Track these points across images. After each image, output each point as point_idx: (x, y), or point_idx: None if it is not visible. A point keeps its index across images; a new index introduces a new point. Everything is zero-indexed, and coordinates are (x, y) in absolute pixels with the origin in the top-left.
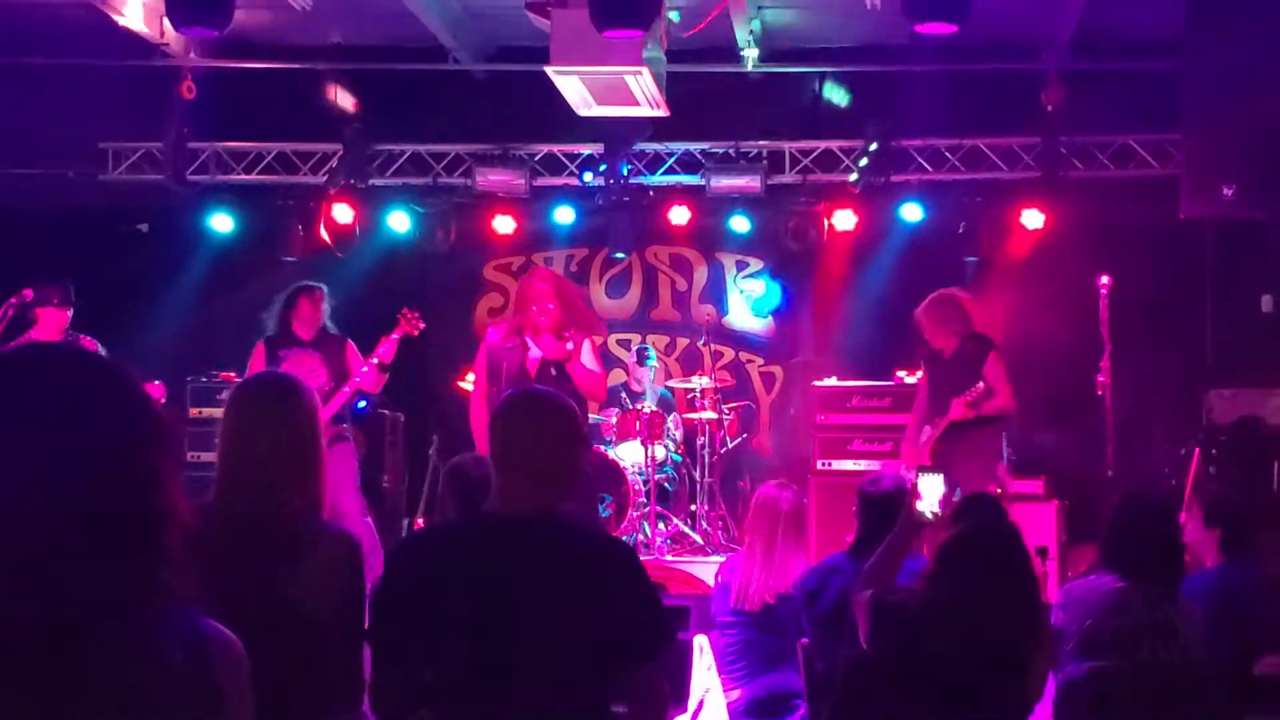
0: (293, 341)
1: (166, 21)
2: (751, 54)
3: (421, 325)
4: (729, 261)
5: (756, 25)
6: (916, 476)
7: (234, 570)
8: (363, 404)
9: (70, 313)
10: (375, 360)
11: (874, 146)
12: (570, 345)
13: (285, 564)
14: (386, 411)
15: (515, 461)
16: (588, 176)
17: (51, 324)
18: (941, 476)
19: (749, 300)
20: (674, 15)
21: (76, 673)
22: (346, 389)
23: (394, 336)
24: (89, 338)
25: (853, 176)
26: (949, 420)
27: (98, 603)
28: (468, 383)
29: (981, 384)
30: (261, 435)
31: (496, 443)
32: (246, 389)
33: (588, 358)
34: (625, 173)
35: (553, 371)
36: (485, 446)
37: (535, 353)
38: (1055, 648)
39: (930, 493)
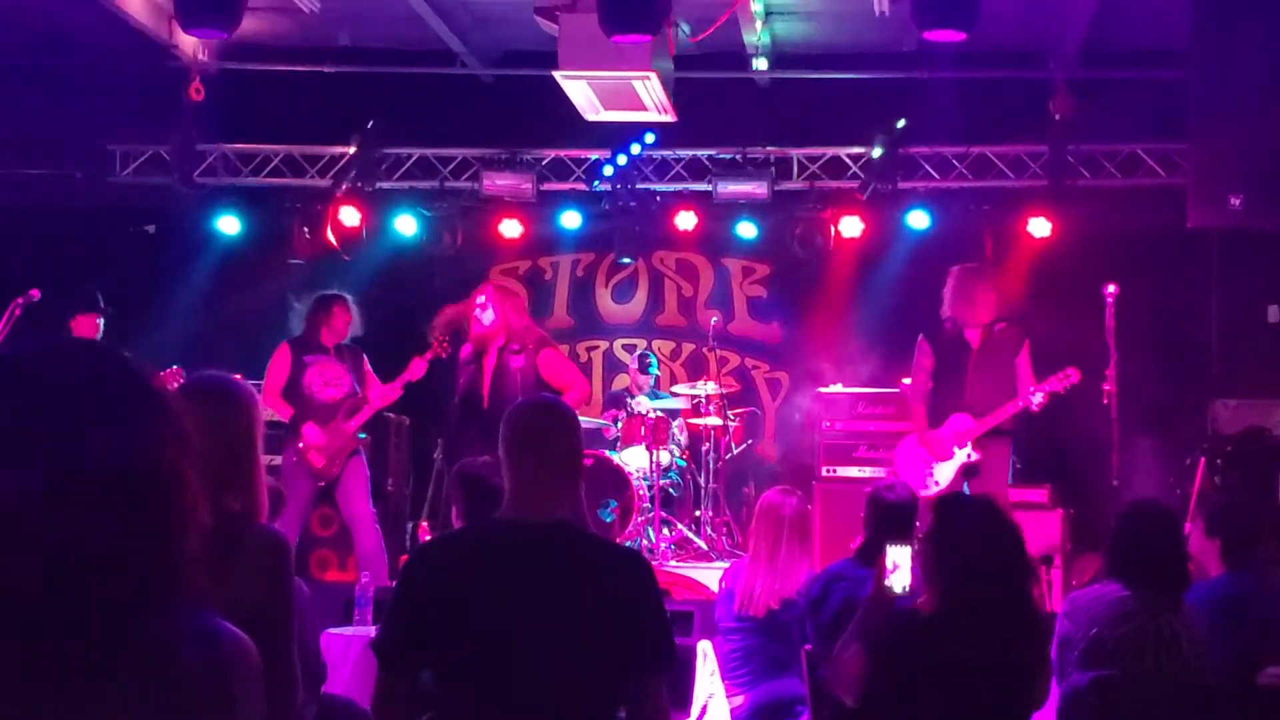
0: (318, 348)
1: (174, 24)
2: (760, 60)
3: (450, 349)
4: (735, 267)
5: (765, 32)
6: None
7: None
8: None
9: (101, 321)
10: (404, 380)
11: (901, 124)
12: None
13: (218, 566)
14: (391, 415)
15: (530, 468)
16: (605, 176)
17: (85, 333)
18: (909, 549)
19: None
20: (685, 28)
21: (89, 672)
22: (375, 405)
23: (426, 358)
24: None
25: (874, 156)
26: (1022, 408)
27: (112, 602)
28: None
29: (1074, 370)
30: (200, 436)
31: (511, 450)
32: (185, 390)
33: (559, 366)
34: (634, 153)
35: (504, 390)
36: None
37: (487, 369)
38: (1047, 654)
39: (902, 565)
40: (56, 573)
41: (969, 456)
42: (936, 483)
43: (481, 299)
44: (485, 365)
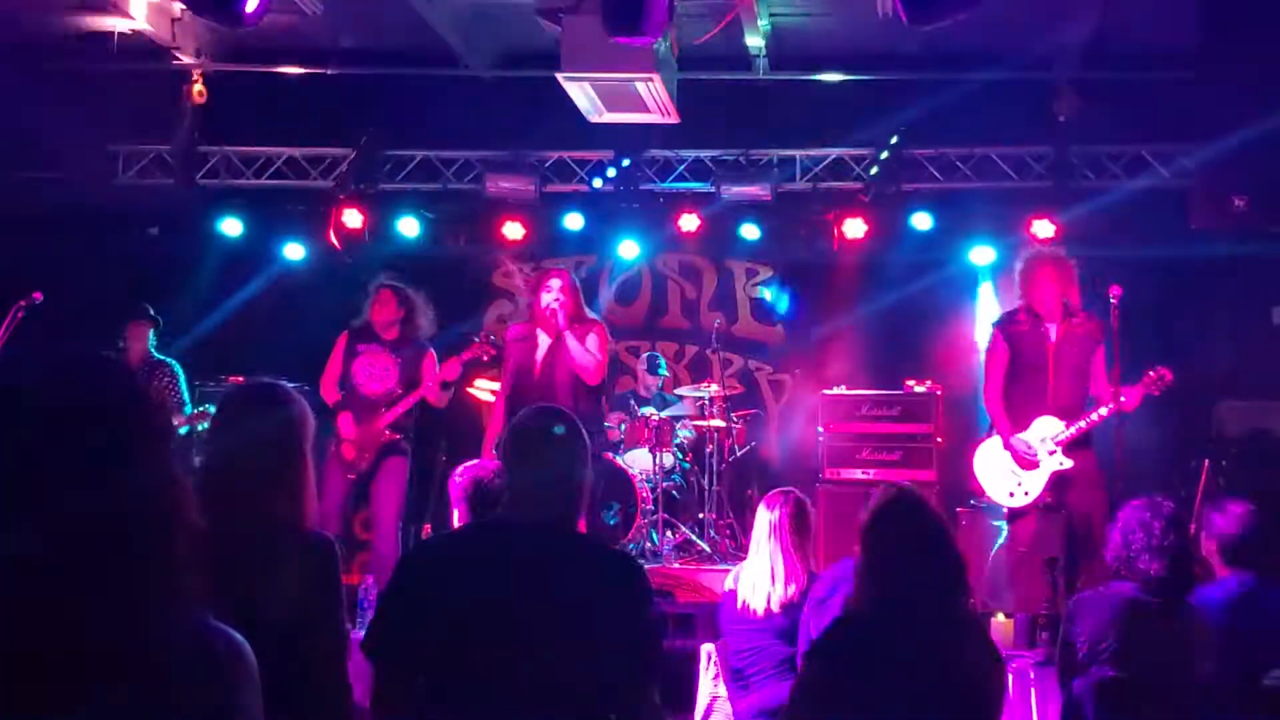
0: (373, 338)
1: (177, 26)
2: (762, 61)
3: (493, 351)
4: (738, 269)
5: (767, 32)
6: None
7: (212, 576)
8: None
9: (152, 331)
10: (442, 378)
11: (894, 140)
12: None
13: (262, 571)
14: None
15: (527, 469)
16: (597, 182)
17: (138, 341)
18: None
19: (765, 289)
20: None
21: (87, 679)
22: (409, 399)
23: (462, 357)
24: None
25: (874, 170)
26: (1115, 410)
27: (108, 608)
28: (476, 389)
29: (1167, 370)
30: (247, 442)
31: (510, 451)
32: (235, 395)
33: (593, 344)
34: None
35: (556, 366)
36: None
37: (544, 344)
38: (995, 652)
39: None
40: (56, 575)
41: (1060, 464)
42: (1026, 493)
43: (557, 282)
44: (540, 340)
